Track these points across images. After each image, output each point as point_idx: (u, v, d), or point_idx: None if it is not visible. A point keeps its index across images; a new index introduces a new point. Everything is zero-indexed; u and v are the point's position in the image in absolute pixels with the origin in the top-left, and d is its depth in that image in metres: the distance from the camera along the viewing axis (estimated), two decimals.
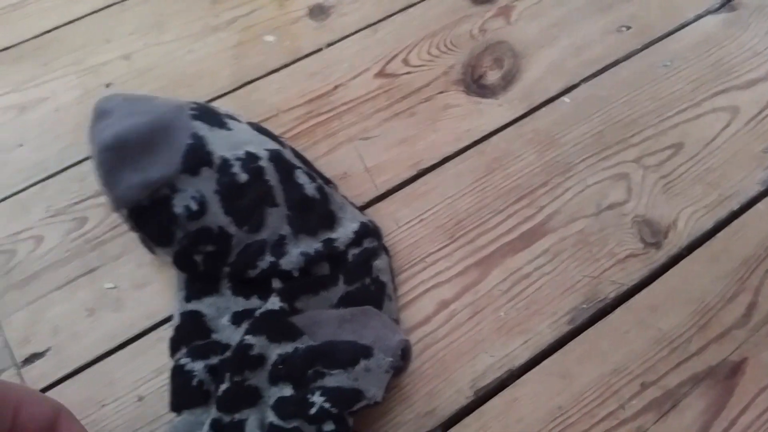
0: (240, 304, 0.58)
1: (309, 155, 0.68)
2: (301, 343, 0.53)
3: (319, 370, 0.51)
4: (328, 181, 0.64)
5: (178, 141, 0.57)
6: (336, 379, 0.50)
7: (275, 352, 0.52)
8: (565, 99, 0.73)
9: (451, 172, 0.68)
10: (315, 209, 0.60)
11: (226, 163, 0.57)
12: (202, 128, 0.58)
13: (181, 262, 0.58)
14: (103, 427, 0.56)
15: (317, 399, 0.49)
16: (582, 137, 0.70)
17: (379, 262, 0.59)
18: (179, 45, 0.77)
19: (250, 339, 0.52)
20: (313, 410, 0.49)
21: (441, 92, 0.73)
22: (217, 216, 0.56)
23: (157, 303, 0.61)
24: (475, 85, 0.73)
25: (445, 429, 0.55)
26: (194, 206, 0.55)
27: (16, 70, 0.76)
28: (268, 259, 0.57)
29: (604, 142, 0.70)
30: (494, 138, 0.70)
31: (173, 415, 0.55)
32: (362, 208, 0.66)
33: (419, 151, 0.69)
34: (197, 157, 0.56)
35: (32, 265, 0.63)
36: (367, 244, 0.60)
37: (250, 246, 0.57)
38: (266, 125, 0.70)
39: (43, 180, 0.68)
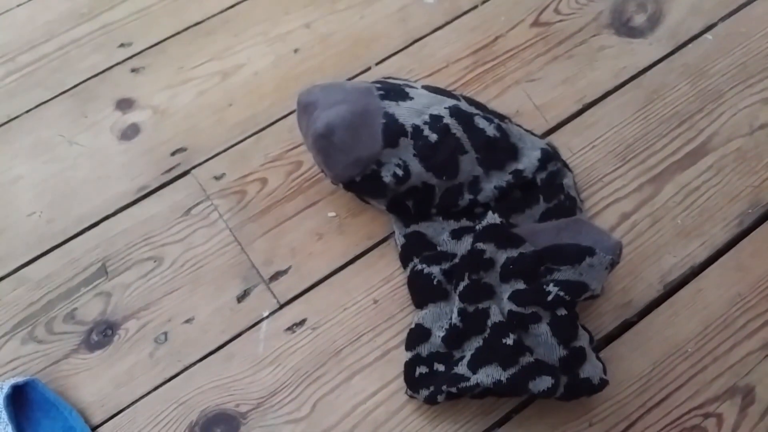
0: (452, 225, 0.68)
1: (481, 99, 0.77)
2: (525, 249, 0.63)
3: (549, 267, 0.61)
4: (503, 117, 0.74)
5: (375, 122, 0.66)
6: (564, 274, 0.60)
7: (503, 256, 0.63)
8: (708, 36, 0.81)
9: (613, 105, 0.76)
10: (499, 147, 0.69)
11: (417, 129, 0.66)
12: (390, 105, 0.67)
13: (394, 208, 0.69)
14: (347, 325, 0.67)
15: (552, 289, 0.59)
16: (728, 68, 0.78)
17: (567, 180, 0.69)
18: (352, 12, 0.87)
19: (481, 245, 0.62)
20: (549, 297, 0.59)
21: (594, 35, 0.81)
22: (420, 175, 0.66)
23: (374, 226, 0.71)
24: (624, 27, 0.82)
25: (641, 317, 0.65)
26: (400, 172, 0.65)
27: (210, 41, 0.87)
28: (467, 197, 0.68)
29: (748, 72, 0.78)
30: (649, 73, 0.78)
31: (405, 313, 0.66)
32: None
33: (582, 88, 0.78)
34: (393, 132, 0.66)
35: (262, 202, 0.74)
36: (551, 167, 0.70)
37: (450, 189, 0.68)
38: (439, 76, 0.80)
39: (257, 132, 0.79)
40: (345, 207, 0.73)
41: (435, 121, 0.67)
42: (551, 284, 0.59)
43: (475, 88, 0.79)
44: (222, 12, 0.89)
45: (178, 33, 0.88)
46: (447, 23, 0.85)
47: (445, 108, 0.69)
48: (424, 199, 0.68)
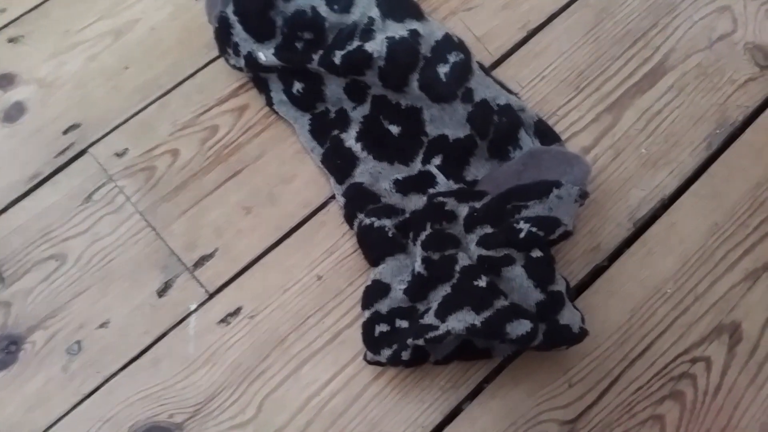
0: (387, 169, 0.61)
1: None
2: (487, 201, 0.56)
3: (517, 205, 0.54)
4: None
5: None
6: (533, 210, 0.54)
7: (465, 208, 0.56)
8: None
9: (561, 28, 0.69)
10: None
11: None
12: None
13: (283, 52, 0.62)
14: (292, 308, 0.59)
15: (523, 226, 0.53)
16: None
17: (498, 99, 0.61)
18: None
19: (441, 198, 0.56)
20: (522, 235, 0.52)
21: None
22: None
23: (309, 192, 0.63)
24: None
25: (612, 260, 0.59)
26: None
27: None
28: (356, 42, 0.60)
29: None
30: None
31: (354, 287, 0.59)
32: None
33: (525, 13, 0.70)
34: None
35: (176, 177, 0.64)
36: (453, 58, 0.61)
37: (342, 31, 0.61)
38: None
39: (161, 97, 0.68)
40: (274, 174, 0.64)
41: None
42: (521, 222, 0.53)
43: None
44: None
45: None
46: None
47: None
48: (314, 40, 0.61)
